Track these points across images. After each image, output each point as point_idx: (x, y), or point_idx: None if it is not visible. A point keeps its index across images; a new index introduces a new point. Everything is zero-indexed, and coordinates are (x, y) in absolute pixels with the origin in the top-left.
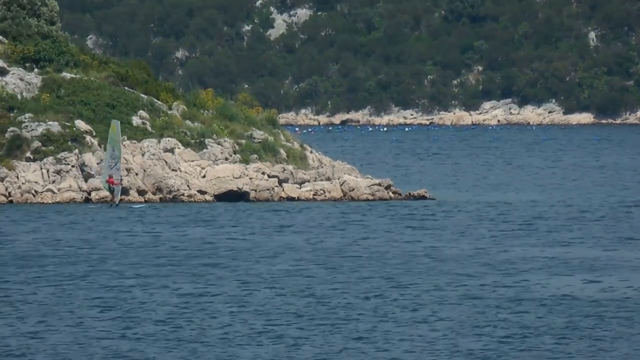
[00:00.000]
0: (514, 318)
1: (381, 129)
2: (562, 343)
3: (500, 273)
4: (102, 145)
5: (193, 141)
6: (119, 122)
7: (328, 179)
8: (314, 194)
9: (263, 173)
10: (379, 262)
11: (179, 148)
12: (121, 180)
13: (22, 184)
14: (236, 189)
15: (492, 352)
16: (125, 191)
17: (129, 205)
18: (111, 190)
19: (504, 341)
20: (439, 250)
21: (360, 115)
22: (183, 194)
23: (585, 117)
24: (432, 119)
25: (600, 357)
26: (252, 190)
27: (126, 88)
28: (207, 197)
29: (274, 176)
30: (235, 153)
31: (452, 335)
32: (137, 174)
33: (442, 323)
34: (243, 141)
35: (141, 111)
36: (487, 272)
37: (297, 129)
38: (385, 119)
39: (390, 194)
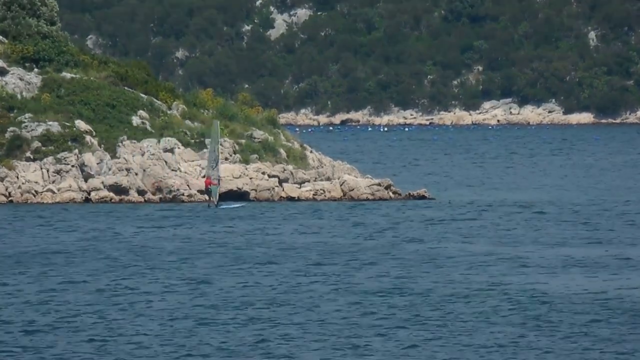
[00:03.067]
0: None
1: (381, 129)
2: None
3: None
4: (102, 145)
5: (193, 141)
6: (218, 122)
7: (328, 178)
8: (314, 194)
9: (263, 173)
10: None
11: (178, 148)
12: (219, 180)
13: (22, 184)
14: (236, 188)
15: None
16: (125, 191)
17: (230, 206)
18: (208, 192)
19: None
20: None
21: (360, 115)
22: (183, 194)
23: (585, 117)
24: (432, 119)
25: None
26: (252, 190)
27: (126, 88)
28: (207, 197)
29: (274, 176)
30: (235, 153)
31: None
32: (136, 174)
33: None
34: (243, 141)
35: (141, 111)
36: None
37: (297, 129)
38: (385, 119)
39: (390, 193)
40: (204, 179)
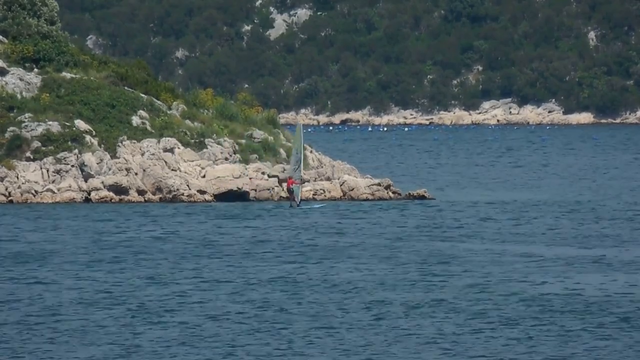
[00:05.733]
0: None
1: (381, 129)
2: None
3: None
4: (102, 145)
5: (193, 141)
6: (301, 124)
7: (328, 178)
8: (313, 194)
9: (263, 173)
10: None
11: (178, 148)
12: (301, 181)
13: (22, 183)
14: (236, 188)
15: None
16: (125, 191)
17: (311, 206)
18: (290, 191)
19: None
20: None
21: (360, 115)
22: (183, 194)
23: (585, 117)
24: (432, 118)
25: None
26: (252, 190)
27: (126, 88)
28: (207, 197)
29: (274, 176)
30: (235, 153)
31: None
32: (136, 174)
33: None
34: (243, 141)
35: (141, 111)
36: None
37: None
38: (385, 119)
39: (390, 193)
40: (287, 180)
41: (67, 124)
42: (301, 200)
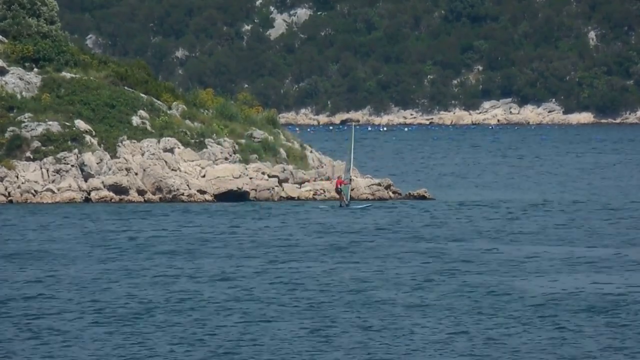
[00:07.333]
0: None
1: (381, 129)
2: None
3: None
4: (102, 145)
5: (193, 141)
6: (354, 126)
7: (328, 178)
8: (313, 194)
9: (263, 173)
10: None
11: (178, 148)
12: (350, 180)
13: (22, 183)
14: (236, 188)
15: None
16: (125, 191)
17: (359, 206)
18: (339, 191)
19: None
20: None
21: (360, 115)
22: (183, 194)
23: (585, 117)
24: (432, 118)
25: None
26: (252, 190)
27: (126, 88)
28: (207, 197)
29: (274, 176)
30: (235, 153)
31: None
32: (136, 174)
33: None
34: (243, 141)
35: (141, 111)
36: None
37: (297, 128)
38: (385, 119)
39: (390, 193)
40: (336, 179)
41: (67, 124)
42: (350, 199)
